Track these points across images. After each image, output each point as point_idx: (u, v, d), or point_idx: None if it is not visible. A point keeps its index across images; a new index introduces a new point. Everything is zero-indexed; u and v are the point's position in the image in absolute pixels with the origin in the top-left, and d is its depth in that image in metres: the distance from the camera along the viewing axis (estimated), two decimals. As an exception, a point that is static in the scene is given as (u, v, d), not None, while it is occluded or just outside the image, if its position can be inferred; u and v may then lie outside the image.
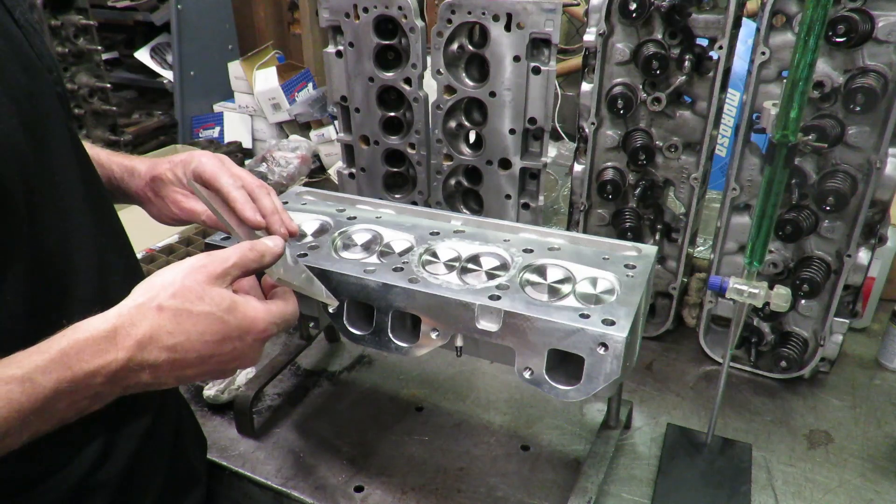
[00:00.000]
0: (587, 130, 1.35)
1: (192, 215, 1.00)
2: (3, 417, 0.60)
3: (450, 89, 1.44)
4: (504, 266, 1.03)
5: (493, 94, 1.38)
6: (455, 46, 1.40)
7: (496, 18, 1.30)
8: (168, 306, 0.69)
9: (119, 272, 0.87)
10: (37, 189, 0.71)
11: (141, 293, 0.71)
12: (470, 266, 1.03)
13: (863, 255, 1.20)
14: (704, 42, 1.23)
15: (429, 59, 1.43)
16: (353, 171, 1.67)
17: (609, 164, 1.38)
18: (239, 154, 2.74)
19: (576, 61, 2.48)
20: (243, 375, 1.33)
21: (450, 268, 1.03)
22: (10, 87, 0.68)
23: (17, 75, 0.70)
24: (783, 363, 1.33)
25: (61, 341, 0.65)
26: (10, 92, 0.68)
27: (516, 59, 1.33)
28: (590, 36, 1.26)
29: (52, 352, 0.64)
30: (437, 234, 1.11)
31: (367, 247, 1.11)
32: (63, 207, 0.77)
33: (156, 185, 1.00)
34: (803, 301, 1.29)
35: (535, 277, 1.00)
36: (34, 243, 0.71)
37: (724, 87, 1.24)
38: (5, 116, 0.66)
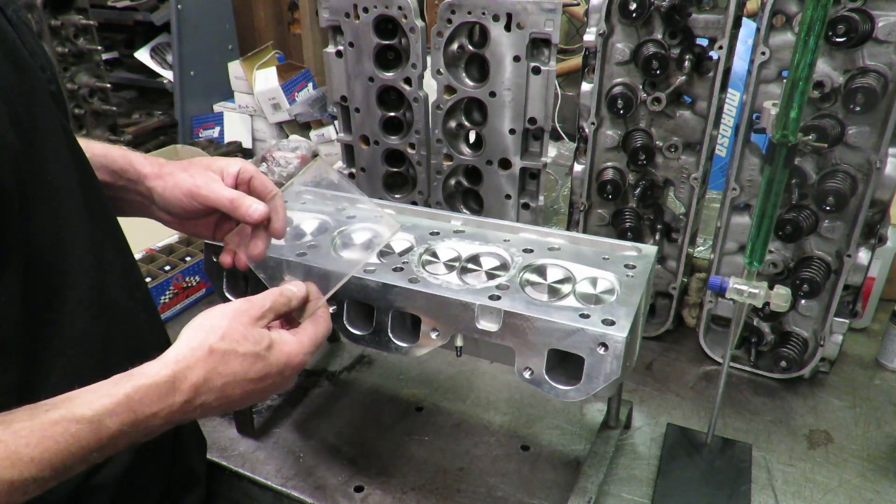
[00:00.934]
0: (587, 130, 1.35)
1: (214, 195, 0.94)
2: (72, 454, 0.64)
3: (450, 89, 1.44)
4: (504, 266, 1.03)
5: (493, 94, 1.38)
6: (455, 46, 1.40)
7: (496, 18, 1.30)
8: (218, 349, 0.76)
9: (116, 271, 0.87)
10: (30, 188, 0.71)
11: (192, 336, 0.77)
12: (470, 266, 1.03)
13: (863, 255, 1.20)
14: (704, 42, 1.23)
15: (429, 59, 1.43)
16: (353, 171, 1.67)
17: (609, 164, 1.38)
18: (239, 154, 2.74)
19: (576, 61, 2.48)
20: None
21: (450, 268, 1.03)
22: (1, 86, 0.68)
23: (7, 73, 0.70)
24: (783, 363, 1.33)
25: (125, 386, 0.69)
26: (1, 90, 0.68)
27: (516, 59, 1.33)
28: (590, 36, 1.26)
29: (118, 396, 0.68)
30: (437, 234, 1.11)
31: (367, 247, 1.11)
32: (58, 207, 0.76)
33: (190, 165, 0.98)
34: (803, 301, 1.29)
35: (535, 277, 1.00)
36: (28, 243, 0.71)
37: (724, 87, 1.24)
38: None
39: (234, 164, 0.99)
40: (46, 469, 0.63)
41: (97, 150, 0.96)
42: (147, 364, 0.73)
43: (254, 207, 0.92)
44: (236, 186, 0.97)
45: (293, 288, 0.88)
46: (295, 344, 0.83)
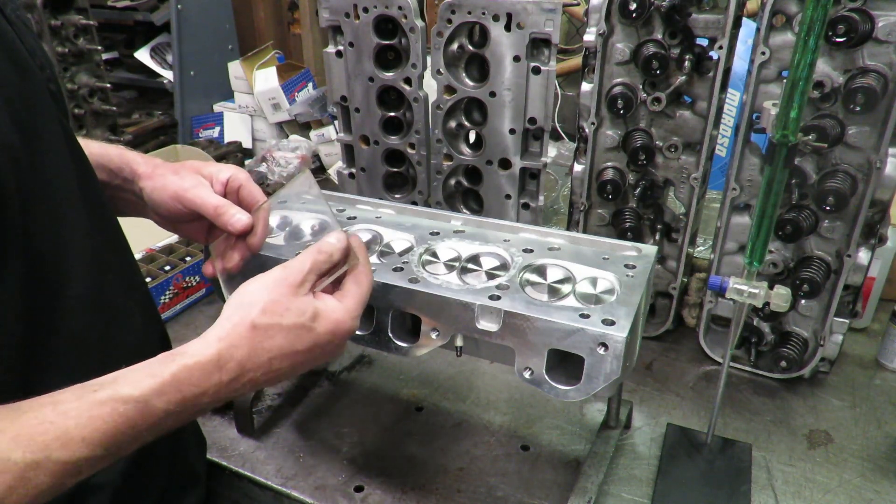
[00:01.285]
0: (587, 130, 1.35)
1: (199, 200, 0.94)
2: (123, 433, 0.65)
3: (450, 89, 1.44)
4: (504, 266, 1.03)
5: (493, 94, 1.38)
6: (455, 46, 1.40)
7: (496, 18, 1.30)
8: (260, 324, 0.74)
9: (115, 271, 0.87)
10: (30, 187, 0.71)
11: (233, 311, 0.75)
12: (470, 266, 1.03)
13: (863, 255, 1.20)
14: (704, 42, 1.23)
15: (429, 59, 1.43)
16: (353, 171, 1.67)
17: (609, 164, 1.38)
18: (239, 154, 2.74)
19: (576, 61, 2.48)
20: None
21: (450, 268, 1.03)
22: (1, 85, 0.68)
23: (7, 73, 0.70)
24: (783, 363, 1.33)
25: (171, 366, 0.69)
26: (1, 89, 0.68)
27: (516, 59, 1.33)
28: (590, 36, 1.26)
29: (164, 376, 0.68)
30: (437, 234, 1.11)
31: (366, 247, 1.11)
32: (57, 206, 0.76)
33: (182, 168, 0.97)
34: (803, 301, 1.29)
35: (535, 277, 1.00)
36: (28, 242, 0.71)
37: (724, 87, 1.24)
38: None
39: (225, 171, 0.98)
40: (98, 449, 0.63)
41: (94, 149, 0.96)
42: (190, 343, 0.72)
43: (237, 217, 0.92)
44: (225, 194, 0.97)
45: (332, 240, 0.83)
46: (341, 310, 0.80)
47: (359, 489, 1.12)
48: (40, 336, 0.75)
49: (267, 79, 2.81)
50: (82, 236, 0.80)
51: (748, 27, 1.33)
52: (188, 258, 1.66)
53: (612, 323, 0.86)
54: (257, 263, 1.00)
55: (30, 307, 0.72)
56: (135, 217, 1.02)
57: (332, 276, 0.84)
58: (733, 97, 2.07)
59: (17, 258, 0.70)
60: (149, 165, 0.98)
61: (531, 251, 1.05)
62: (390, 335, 1.00)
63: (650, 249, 1.05)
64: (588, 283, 0.98)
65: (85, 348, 0.80)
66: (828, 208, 1.15)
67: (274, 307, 0.75)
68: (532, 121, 1.39)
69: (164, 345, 0.98)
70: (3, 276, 0.69)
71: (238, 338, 0.73)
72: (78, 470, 0.62)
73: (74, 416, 0.62)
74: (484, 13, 1.31)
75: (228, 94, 3.01)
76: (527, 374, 0.91)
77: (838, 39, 1.06)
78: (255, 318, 0.74)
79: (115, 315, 0.85)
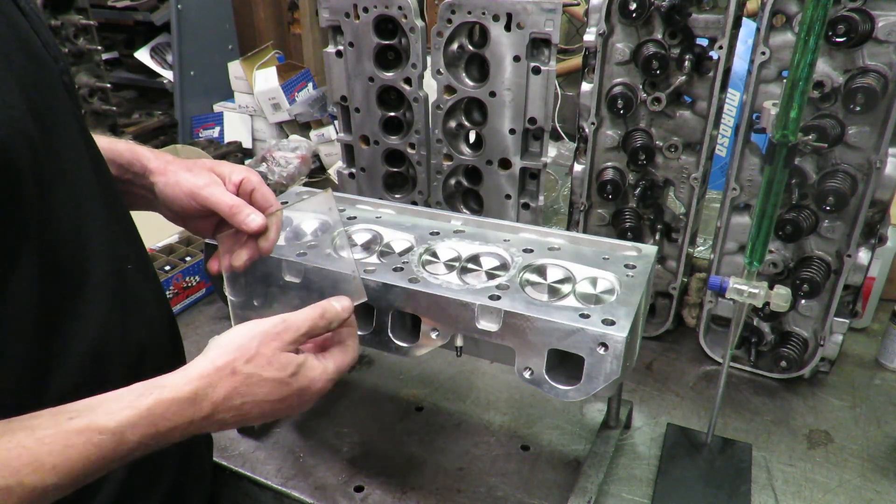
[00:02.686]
0: (587, 130, 1.35)
1: (213, 199, 0.95)
2: (93, 463, 0.65)
3: (450, 89, 1.44)
4: (504, 266, 1.03)
5: (493, 94, 1.38)
6: (455, 46, 1.40)
7: (496, 18, 1.30)
8: (242, 371, 0.76)
9: (133, 261, 0.87)
10: (47, 176, 0.71)
11: (220, 354, 0.77)
12: (470, 266, 1.03)
13: (863, 255, 1.20)
14: (704, 42, 1.23)
15: (429, 59, 1.43)
16: (353, 171, 1.67)
17: (609, 164, 1.38)
18: (239, 154, 2.74)
19: (576, 61, 2.48)
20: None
21: (450, 268, 1.03)
22: (19, 75, 0.68)
23: (24, 64, 0.71)
24: (783, 363, 1.33)
25: (148, 399, 0.70)
26: (19, 79, 0.68)
27: (516, 59, 1.33)
28: (590, 36, 1.26)
29: (141, 409, 0.69)
30: (437, 234, 1.11)
31: (367, 247, 1.11)
32: (75, 195, 0.77)
33: (195, 165, 0.98)
34: (803, 301, 1.29)
35: (535, 277, 1.00)
36: (46, 230, 0.72)
37: (724, 87, 1.24)
38: (15, 103, 0.66)
39: (239, 173, 0.99)
40: (66, 477, 0.64)
41: (103, 143, 0.96)
42: (169, 376, 0.73)
43: (252, 217, 0.93)
44: (237, 195, 0.98)
45: (338, 308, 0.86)
46: (319, 370, 0.83)
47: (359, 489, 1.12)
48: (63, 322, 0.75)
49: (267, 79, 2.81)
50: (101, 225, 0.81)
51: (748, 27, 1.33)
52: (188, 258, 1.66)
53: (612, 323, 0.86)
54: (262, 264, 1.00)
55: (49, 293, 0.73)
56: (143, 211, 1.03)
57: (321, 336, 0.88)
58: (733, 97, 2.07)
59: (34, 244, 0.70)
60: (160, 161, 0.98)
61: (531, 251, 1.05)
62: (390, 335, 1.00)
63: (650, 249, 1.05)
64: (588, 283, 0.98)
65: (107, 336, 0.80)
66: (828, 208, 1.15)
67: (259, 359, 0.77)
68: (532, 121, 1.39)
69: (175, 336, 0.99)
70: (21, 263, 0.69)
71: (218, 379, 0.75)
72: (44, 496, 0.63)
73: (49, 443, 0.63)
74: (484, 13, 1.31)
75: (228, 94, 3.01)
76: (527, 374, 0.91)
77: (838, 39, 1.06)
78: (238, 366, 0.76)
79: (132, 305, 0.86)
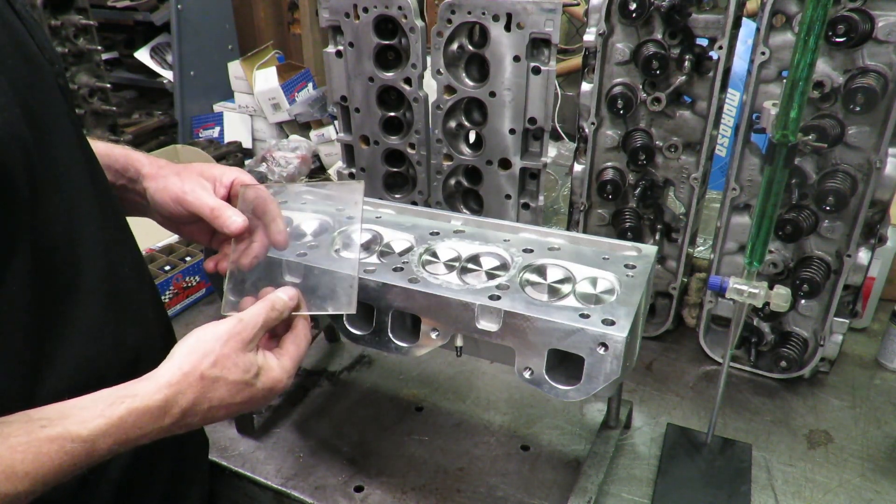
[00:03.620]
0: (587, 130, 1.35)
1: (197, 203, 0.94)
2: (64, 471, 0.67)
3: (450, 89, 1.44)
4: (504, 266, 1.03)
5: (493, 94, 1.38)
6: (455, 46, 1.40)
7: (496, 18, 1.30)
8: (209, 375, 0.78)
9: (127, 264, 0.87)
10: (41, 179, 0.71)
11: (184, 359, 0.78)
12: (470, 266, 1.03)
13: (863, 255, 1.20)
14: (704, 42, 1.23)
15: (429, 59, 1.43)
16: (353, 171, 1.67)
17: (609, 164, 1.38)
18: (239, 154, 2.74)
19: (576, 61, 2.48)
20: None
21: (450, 268, 1.03)
22: (12, 78, 0.68)
23: (18, 66, 0.71)
24: (783, 363, 1.33)
25: (120, 408, 0.71)
26: (13, 82, 0.68)
27: (516, 59, 1.33)
28: (590, 36, 1.26)
29: (113, 418, 0.70)
30: (437, 234, 1.11)
31: (367, 247, 1.11)
32: (68, 198, 0.77)
33: (185, 170, 0.98)
34: (803, 301, 1.29)
35: (535, 277, 0.99)
36: (39, 233, 0.71)
37: (724, 87, 1.24)
38: (9, 106, 0.66)
39: (229, 174, 0.99)
40: (38, 484, 0.65)
41: (100, 148, 0.96)
42: (139, 383, 0.74)
43: (232, 219, 0.92)
44: (229, 197, 0.98)
45: (285, 297, 0.89)
46: (279, 370, 0.85)
47: (359, 489, 1.12)
48: (55, 325, 0.75)
49: (267, 79, 2.81)
50: (95, 229, 0.81)
51: (748, 27, 1.33)
52: (188, 258, 1.66)
53: (612, 323, 0.86)
54: (263, 264, 1.00)
55: (43, 296, 0.73)
56: (138, 217, 1.03)
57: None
58: (733, 97, 2.07)
59: (25, 246, 0.70)
60: (153, 166, 0.98)
61: (531, 251, 1.05)
62: (390, 335, 1.00)
63: (650, 249, 1.05)
64: (588, 283, 0.98)
65: (99, 339, 0.81)
66: (828, 208, 1.15)
67: (224, 361, 0.79)
68: (532, 121, 1.39)
69: (170, 340, 0.99)
70: (12, 266, 0.69)
71: (186, 386, 0.76)
72: (16, 503, 0.64)
73: (22, 451, 0.64)
74: (484, 13, 1.31)
75: (228, 94, 3.01)
76: (527, 374, 0.91)
77: (838, 39, 1.06)
78: (204, 370, 0.77)
79: (126, 308, 0.86)
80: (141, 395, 0.73)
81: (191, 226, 1.00)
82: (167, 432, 0.75)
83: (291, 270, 1.05)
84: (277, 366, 0.85)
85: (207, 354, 0.78)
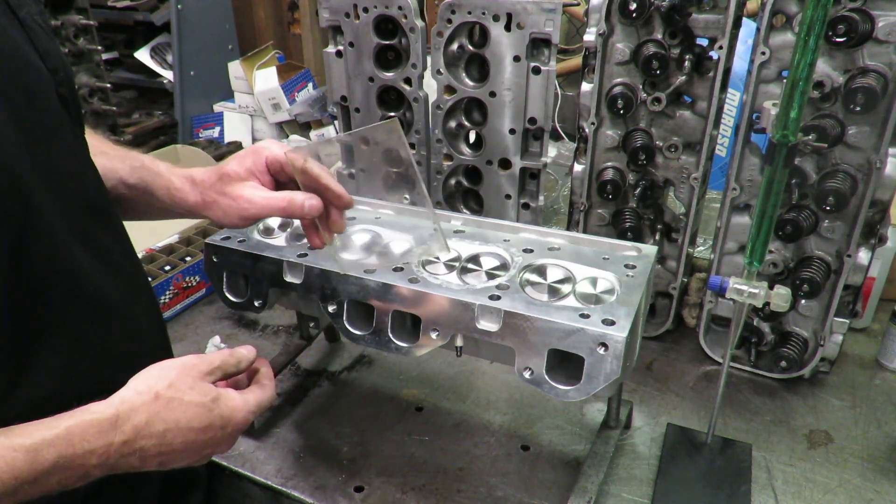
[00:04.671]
0: (587, 130, 1.35)
1: (265, 208, 0.94)
2: (3, 483, 0.64)
3: (450, 89, 1.44)
4: (504, 266, 1.03)
5: (493, 94, 1.38)
6: (455, 46, 1.40)
7: (496, 18, 1.30)
8: (164, 395, 0.77)
9: (122, 276, 0.87)
10: (30, 186, 0.70)
11: (140, 382, 0.78)
12: (470, 266, 1.03)
13: (863, 255, 1.20)
14: (704, 42, 1.23)
15: (429, 59, 1.43)
16: (353, 171, 1.66)
17: (609, 164, 1.38)
18: (239, 154, 2.74)
19: (576, 61, 2.48)
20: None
21: (450, 268, 1.03)
22: (4, 85, 0.68)
23: (13, 74, 0.70)
24: (783, 363, 1.33)
25: (67, 420, 0.70)
26: (4, 90, 0.68)
27: (516, 59, 1.33)
28: (590, 36, 1.26)
29: (59, 428, 0.68)
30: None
31: (366, 247, 1.11)
32: (62, 207, 0.76)
33: (224, 184, 0.96)
34: (803, 301, 1.29)
35: (535, 277, 1.00)
36: (23, 246, 0.70)
37: (724, 87, 1.24)
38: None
39: (260, 159, 0.96)
40: None
41: (160, 168, 0.99)
42: (93, 403, 0.74)
43: (307, 205, 0.91)
44: (276, 182, 0.97)
45: (244, 351, 0.90)
46: (240, 401, 0.84)
47: (359, 489, 1.12)
48: (37, 338, 0.74)
49: (267, 79, 2.81)
50: (88, 242, 0.80)
51: (748, 27, 1.33)
52: (188, 258, 1.66)
53: (612, 323, 0.86)
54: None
55: (23, 308, 0.72)
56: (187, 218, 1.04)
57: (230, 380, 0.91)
58: (733, 97, 2.07)
59: (10, 254, 0.69)
60: (195, 192, 0.97)
61: (531, 251, 1.05)
62: (390, 335, 1.00)
63: (650, 249, 1.05)
64: (588, 283, 0.98)
65: (82, 353, 0.80)
66: (828, 208, 1.15)
67: (180, 384, 0.79)
68: (532, 121, 1.39)
69: (165, 351, 0.99)
70: None
71: (140, 403, 0.75)
72: None
73: None
74: (484, 13, 1.31)
75: (228, 94, 3.01)
76: (527, 374, 0.91)
77: (838, 39, 1.06)
78: (160, 390, 0.77)
79: (117, 320, 0.85)
80: (93, 409, 0.72)
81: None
82: (120, 454, 0.73)
83: (292, 271, 1.05)
84: (239, 398, 0.84)
85: (163, 378, 0.78)
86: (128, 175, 0.96)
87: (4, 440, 0.65)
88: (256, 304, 1.10)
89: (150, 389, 0.76)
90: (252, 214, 0.94)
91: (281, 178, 0.97)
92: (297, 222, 1.14)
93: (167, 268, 1.61)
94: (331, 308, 1.03)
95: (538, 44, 1.32)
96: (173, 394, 0.77)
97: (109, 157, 0.96)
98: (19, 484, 0.65)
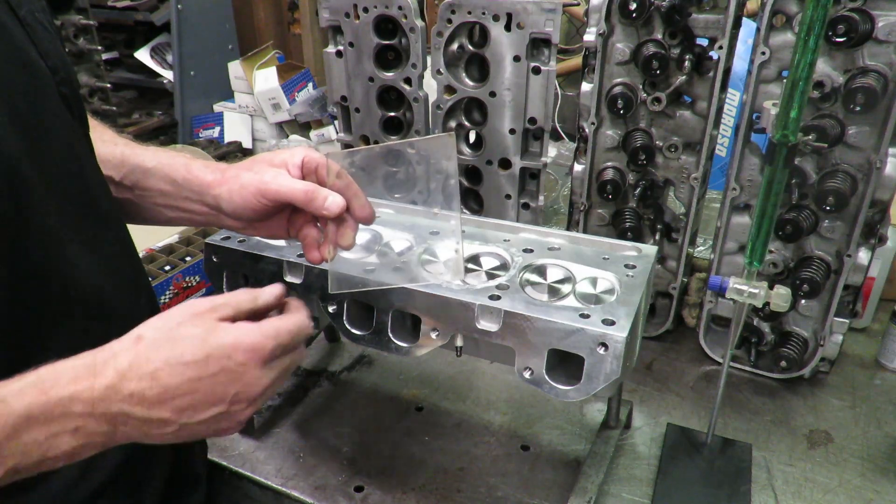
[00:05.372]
0: (587, 130, 1.35)
1: (286, 190, 0.86)
2: None
3: (450, 89, 1.44)
4: (504, 266, 1.03)
5: (493, 94, 1.38)
6: (455, 46, 1.40)
7: (496, 18, 1.30)
8: (147, 336, 0.69)
9: (123, 276, 0.87)
10: (29, 186, 0.70)
11: (125, 335, 0.70)
12: (470, 266, 1.03)
13: (863, 255, 1.20)
14: (704, 42, 1.23)
15: (429, 59, 1.43)
16: (354, 171, 1.66)
17: (609, 164, 1.38)
18: (239, 154, 2.74)
19: (576, 61, 2.48)
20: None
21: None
22: (2, 84, 0.68)
23: (12, 73, 0.70)
24: (783, 363, 1.33)
25: (41, 370, 0.64)
26: (2, 88, 0.68)
27: (516, 59, 1.33)
28: (590, 36, 1.26)
29: (29, 377, 0.63)
30: (437, 233, 1.11)
31: (366, 247, 1.11)
32: (61, 207, 0.76)
33: (252, 163, 0.91)
34: (803, 301, 1.29)
35: (535, 277, 1.00)
36: (21, 247, 0.70)
37: (724, 87, 1.24)
38: None
39: (297, 154, 0.91)
40: None
41: (163, 158, 0.94)
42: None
43: (330, 200, 0.85)
44: (303, 178, 0.91)
45: (266, 289, 0.81)
46: (249, 326, 0.72)
47: (359, 489, 1.12)
48: (35, 337, 0.74)
49: (267, 79, 2.81)
50: (90, 238, 0.80)
51: (748, 27, 1.33)
52: (188, 258, 1.66)
53: (612, 323, 0.86)
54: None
55: (21, 308, 0.72)
56: (204, 227, 0.99)
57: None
58: (733, 97, 2.07)
59: (7, 254, 0.69)
60: (216, 172, 0.92)
61: (531, 251, 1.05)
62: (390, 335, 1.00)
63: (650, 249, 1.05)
64: (588, 283, 0.98)
65: (81, 350, 0.79)
66: (828, 208, 1.15)
67: (167, 322, 0.71)
68: (532, 121, 1.39)
69: None
70: None
71: (121, 348, 0.68)
72: None
73: None
74: (484, 13, 1.31)
75: (228, 94, 3.02)
76: (527, 374, 0.91)
77: (838, 39, 1.06)
78: (142, 332, 0.70)
79: (117, 320, 0.85)
80: (69, 359, 0.66)
81: (269, 221, 0.94)
82: (108, 401, 0.65)
83: (292, 270, 1.05)
84: (249, 324, 0.73)
85: (148, 323, 0.71)
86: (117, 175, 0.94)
87: None
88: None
89: (134, 333, 0.69)
90: (271, 191, 0.86)
91: (310, 179, 0.91)
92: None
93: (167, 268, 1.61)
94: (331, 308, 1.03)
95: (538, 44, 1.32)
96: (158, 333, 0.69)
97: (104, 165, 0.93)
98: None
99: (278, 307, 0.82)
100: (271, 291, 0.80)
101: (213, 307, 0.73)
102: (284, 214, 0.93)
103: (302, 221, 0.92)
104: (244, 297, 0.77)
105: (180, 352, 0.68)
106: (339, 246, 0.90)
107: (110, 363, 0.66)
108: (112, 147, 0.95)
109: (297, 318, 0.78)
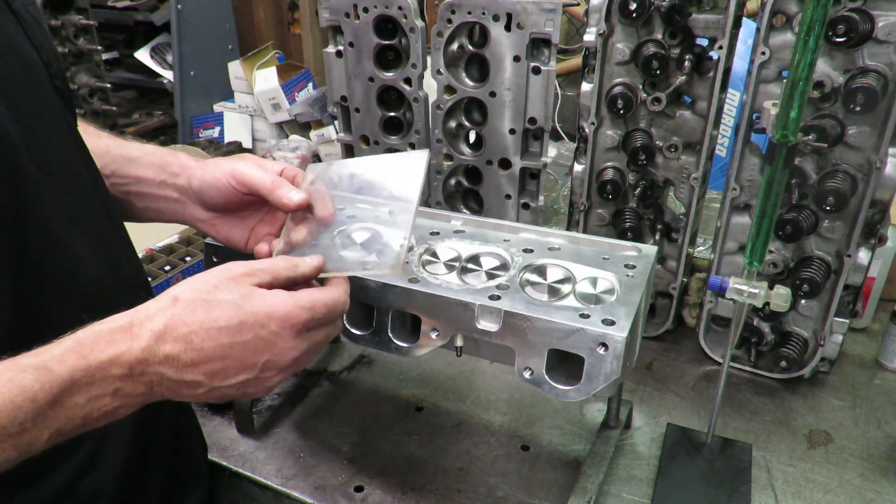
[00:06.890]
0: (587, 130, 1.35)
1: (253, 179, 0.89)
2: (18, 406, 0.59)
3: (450, 89, 1.44)
4: (504, 266, 1.03)
5: (493, 94, 1.38)
6: (455, 46, 1.40)
7: (496, 18, 1.30)
8: (183, 297, 0.70)
9: (122, 268, 0.87)
10: (30, 180, 0.70)
11: (162, 294, 0.71)
12: (470, 266, 1.03)
13: (863, 255, 1.20)
14: (704, 42, 1.23)
15: (429, 59, 1.43)
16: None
17: (609, 164, 1.38)
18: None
19: (576, 61, 2.48)
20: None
21: (450, 268, 1.03)
22: (1, 77, 0.68)
23: (9, 65, 0.70)
24: (783, 363, 1.33)
25: (78, 333, 0.65)
26: (1, 82, 0.68)
27: (516, 59, 1.33)
28: (590, 36, 1.26)
29: (67, 342, 0.64)
30: (437, 234, 1.11)
31: (367, 247, 1.11)
32: (61, 198, 0.76)
33: (227, 156, 0.95)
34: (803, 301, 1.29)
35: (535, 277, 0.99)
36: (21, 238, 0.70)
37: (724, 87, 1.24)
38: None
39: (279, 164, 0.95)
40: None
41: (148, 149, 0.97)
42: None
43: (292, 193, 0.88)
44: None
45: (308, 259, 0.81)
46: (285, 296, 0.73)
47: (359, 489, 1.12)
48: (29, 330, 0.74)
49: (267, 79, 2.81)
50: (88, 235, 0.80)
51: (748, 27, 1.33)
52: (188, 258, 1.66)
53: (612, 323, 0.86)
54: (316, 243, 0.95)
55: (22, 298, 0.72)
56: (171, 222, 1.01)
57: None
58: (733, 97, 2.07)
59: (4, 247, 0.69)
60: (199, 160, 0.96)
61: (531, 251, 1.05)
62: (390, 335, 1.00)
63: (650, 249, 1.05)
64: (588, 283, 0.98)
65: None
66: (828, 208, 1.15)
67: (203, 285, 0.71)
68: (532, 121, 1.39)
69: None
70: None
71: (156, 309, 0.68)
72: None
73: None
74: (484, 13, 1.31)
75: (228, 94, 3.02)
76: (527, 374, 0.91)
77: (838, 39, 1.06)
78: (178, 293, 0.70)
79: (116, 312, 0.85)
80: (107, 319, 0.67)
81: (231, 217, 0.96)
82: (145, 363, 0.66)
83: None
84: (285, 294, 0.73)
85: (184, 283, 0.71)
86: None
87: (10, 363, 0.60)
88: None
89: (170, 293, 0.69)
90: (242, 175, 0.88)
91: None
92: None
93: (167, 268, 1.61)
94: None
95: (538, 44, 1.32)
96: (194, 295, 0.69)
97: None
98: (39, 407, 0.60)
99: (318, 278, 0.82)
100: (311, 262, 0.81)
101: (252, 271, 0.73)
102: (249, 220, 0.95)
103: (265, 232, 0.95)
104: (283, 265, 0.77)
105: (215, 316, 0.69)
106: (290, 241, 0.92)
107: (146, 325, 0.67)
108: (96, 139, 0.95)
109: (335, 292, 0.79)
